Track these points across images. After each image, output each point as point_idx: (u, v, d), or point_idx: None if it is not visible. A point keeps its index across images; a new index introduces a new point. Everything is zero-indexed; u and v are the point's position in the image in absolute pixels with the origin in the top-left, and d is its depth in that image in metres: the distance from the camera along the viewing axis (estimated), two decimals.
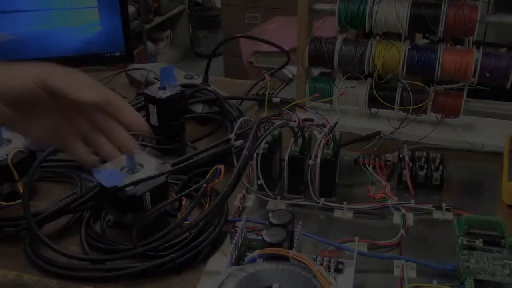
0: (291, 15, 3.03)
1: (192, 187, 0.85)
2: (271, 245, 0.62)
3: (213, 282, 0.59)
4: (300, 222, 0.69)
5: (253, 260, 0.62)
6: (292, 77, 1.33)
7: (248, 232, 0.74)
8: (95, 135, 0.64)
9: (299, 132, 0.87)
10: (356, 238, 0.75)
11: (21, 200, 0.81)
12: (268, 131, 0.84)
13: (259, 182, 0.87)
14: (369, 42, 1.05)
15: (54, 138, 0.63)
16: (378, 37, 1.06)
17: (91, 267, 0.74)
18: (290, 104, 0.93)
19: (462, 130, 1.07)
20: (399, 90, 1.07)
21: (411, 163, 0.91)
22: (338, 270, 0.70)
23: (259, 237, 0.70)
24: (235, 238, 0.68)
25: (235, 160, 0.87)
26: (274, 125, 0.85)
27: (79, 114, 0.63)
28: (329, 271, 0.69)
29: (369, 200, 0.87)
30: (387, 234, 0.80)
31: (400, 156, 0.92)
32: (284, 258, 0.61)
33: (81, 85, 0.60)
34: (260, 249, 0.62)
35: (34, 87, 0.58)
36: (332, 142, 0.86)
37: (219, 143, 0.97)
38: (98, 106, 0.61)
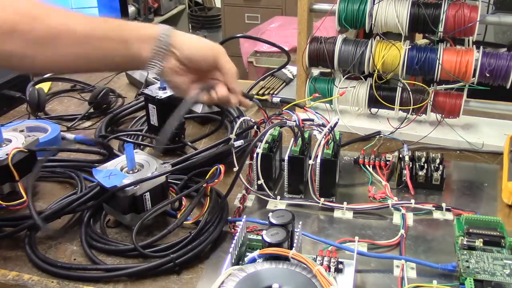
0: (291, 15, 3.04)
1: (192, 187, 0.85)
2: (271, 245, 0.62)
3: (213, 282, 0.59)
4: (300, 222, 0.69)
5: (253, 260, 0.62)
6: (292, 77, 1.33)
7: (248, 232, 0.74)
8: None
9: (299, 132, 0.87)
10: (356, 238, 0.75)
11: (21, 200, 0.81)
12: (266, 130, 0.84)
13: (259, 182, 0.87)
14: (369, 42, 1.05)
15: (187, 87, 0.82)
16: (378, 37, 1.06)
17: (91, 267, 0.74)
18: (290, 104, 0.93)
19: (462, 130, 1.07)
20: (399, 90, 1.07)
21: (411, 163, 0.90)
22: (338, 270, 0.70)
23: (259, 237, 0.70)
24: (235, 238, 0.67)
25: (235, 160, 0.87)
26: (272, 125, 0.85)
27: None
28: (329, 271, 0.69)
29: (369, 200, 0.87)
30: (387, 234, 0.80)
31: (400, 156, 0.92)
32: (284, 258, 0.61)
33: (235, 75, 0.82)
34: (260, 249, 0.62)
35: (211, 60, 0.80)
36: (332, 142, 0.86)
37: (219, 143, 0.97)
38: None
